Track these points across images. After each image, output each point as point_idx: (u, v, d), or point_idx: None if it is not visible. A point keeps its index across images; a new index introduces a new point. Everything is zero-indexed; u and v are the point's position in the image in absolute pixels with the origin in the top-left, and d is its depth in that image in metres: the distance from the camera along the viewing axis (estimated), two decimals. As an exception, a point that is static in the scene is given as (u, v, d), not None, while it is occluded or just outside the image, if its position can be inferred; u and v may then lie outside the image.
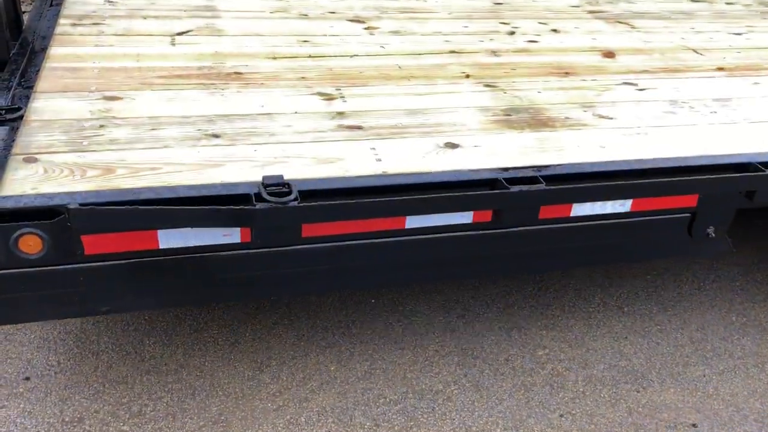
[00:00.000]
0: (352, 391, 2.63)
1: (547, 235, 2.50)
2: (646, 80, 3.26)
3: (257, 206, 2.05)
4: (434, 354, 2.83)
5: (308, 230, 2.22)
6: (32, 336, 2.76)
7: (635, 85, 3.20)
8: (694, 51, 3.70)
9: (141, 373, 2.63)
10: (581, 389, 2.73)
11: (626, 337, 3.01)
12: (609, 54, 3.55)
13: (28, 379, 2.58)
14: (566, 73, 3.28)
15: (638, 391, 2.74)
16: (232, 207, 2.06)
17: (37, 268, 2.06)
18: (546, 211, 2.42)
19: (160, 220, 2.06)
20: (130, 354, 2.71)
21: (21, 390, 2.53)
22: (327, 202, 2.13)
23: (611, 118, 2.83)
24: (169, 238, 2.13)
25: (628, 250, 2.69)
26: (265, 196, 2.08)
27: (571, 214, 2.49)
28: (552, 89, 3.08)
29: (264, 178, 2.13)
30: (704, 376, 2.85)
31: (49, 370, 2.62)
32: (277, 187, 2.13)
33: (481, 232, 2.41)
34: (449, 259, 2.48)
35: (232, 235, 2.19)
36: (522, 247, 2.52)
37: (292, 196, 2.09)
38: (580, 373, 2.80)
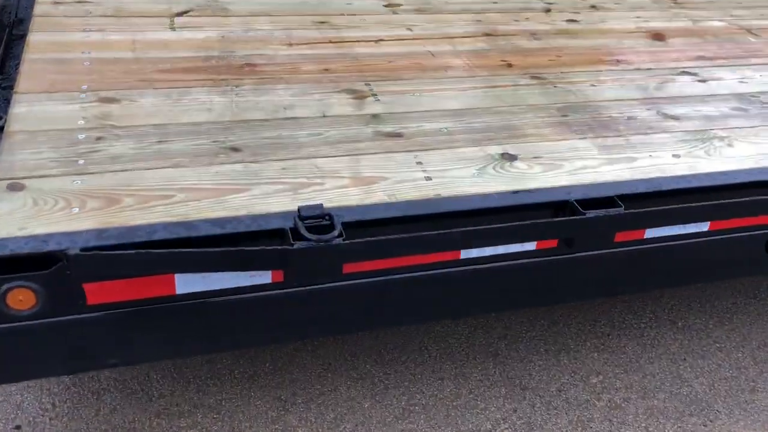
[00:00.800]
0: (391, 434, 2.33)
1: (618, 260, 2.18)
2: (706, 69, 2.91)
3: (295, 246, 1.70)
4: (478, 384, 2.53)
5: (351, 266, 1.89)
6: (22, 370, 2.41)
7: (695, 75, 2.85)
8: (749, 32, 3.35)
9: (150, 416, 2.30)
10: (643, 424, 2.45)
11: (684, 359, 2.73)
12: (658, 36, 3.20)
13: (18, 428, 2.24)
14: (617, 60, 2.93)
15: (705, 425, 2.48)
16: (265, 248, 1.71)
17: (30, 322, 1.71)
18: (620, 235, 2.11)
19: (179, 266, 1.71)
20: (135, 393, 2.38)
21: (11, 441, 2.21)
22: (376, 238, 1.77)
23: (678, 119, 2.49)
24: (188, 283, 1.78)
25: (703, 270, 2.39)
26: (303, 232, 1.72)
27: (645, 236, 2.18)
28: (606, 81, 2.73)
29: (300, 208, 1.78)
30: (774, 404, 2.60)
31: (43, 415, 2.28)
32: (316, 219, 1.78)
33: (547, 258, 2.09)
34: (512, 289, 2.16)
35: (261, 276, 1.85)
36: (592, 273, 2.20)
37: (335, 232, 1.74)
38: (640, 404, 2.52)
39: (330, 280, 1.88)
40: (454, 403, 2.45)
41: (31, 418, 2.27)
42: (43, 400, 2.33)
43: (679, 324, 2.91)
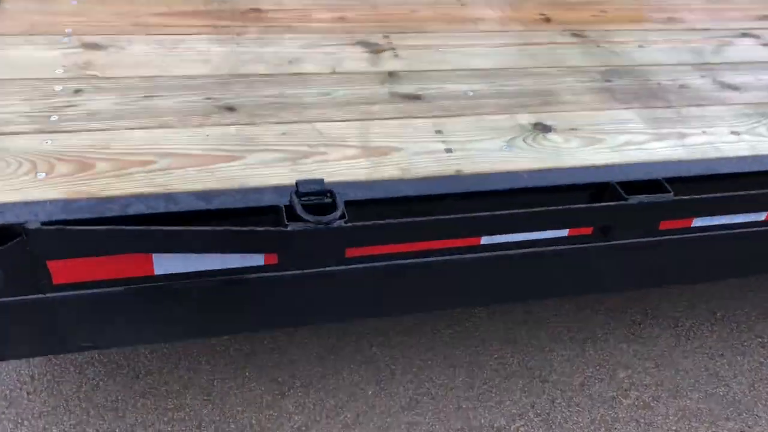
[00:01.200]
0: (395, 427, 2.13)
1: (660, 250, 1.93)
2: (770, 31, 2.59)
3: (289, 228, 1.47)
4: (493, 375, 2.31)
5: (355, 250, 1.66)
6: None
7: (758, 37, 2.53)
8: (817, -10, 2.99)
9: (135, 395, 2.12)
10: (674, 427, 2.23)
11: (722, 354, 2.49)
12: (716, -9, 2.86)
13: (-6, 402, 2.09)
14: (669, 18, 2.61)
15: (743, 431, 2.25)
16: (254, 229, 1.48)
17: (-12, 301, 1.52)
18: (666, 224, 1.85)
19: (156, 245, 1.49)
20: (121, 368, 2.20)
21: (-15, 416, 2.05)
22: (384, 222, 1.53)
23: (737, 89, 2.19)
24: (168, 263, 1.57)
25: (755, 263, 2.12)
26: (299, 212, 1.49)
27: (693, 225, 1.92)
28: (656, 42, 2.42)
29: (299, 183, 1.54)
30: (820, 410, 2.36)
31: (21, 388, 2.11)
32: (316, 196, 1.54)
33: (579, 246, 1.84)
34: (538, 278, 1.92)
35: (253, 257, 1.63)
36: (627, 263, 1.96)
37: (336, 213, 1.50)
38: (671, 404, 2.30)
39: (330, 264, 1.66)
40: (466, 395, 2.24)
41: (8, 392, 2.10)
42: (22, 371, 2.16)
43: (718, 314, 2.65)
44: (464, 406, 2.20)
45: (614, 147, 1.86)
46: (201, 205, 1.51)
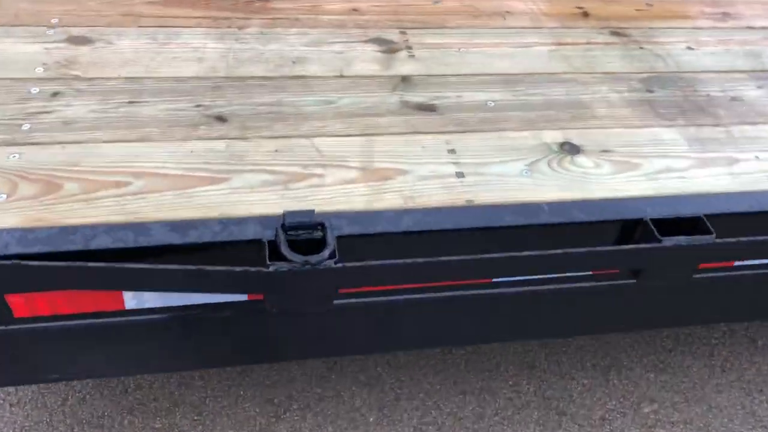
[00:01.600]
0: (396, 459, 1.99)
1: (698, 290, 1.73)
2: (840, 32, 2.30)
3: (270, 269, 1.31)
4: (506, 404, 2.14)
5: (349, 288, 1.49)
6: (-10, 340, 2.14)
7: (825, 39, 2.26)
8: None
9: (122, 411, 2.01)
10: (701, 473, 2.05)
11: (761, 390, 2.27)
12: (780, -18, 2.56)
13: (-25, 414, 2.00)
14: (724, 13, 2.34)
15: (779, 481, 2.06)
16: (231, 270, 1.31)
17: (-55, 332, 1.39)
18: (704, 265, 1.64)
19: (123, 282, 1.34)
20: (109, 381, 2.08)
21: (-35, 429, 1.96)
22: (380, 263, 1.35)
23: (798, 103, 1.94)
24: (141, 297, 1.43)
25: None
26: (283, 250, 1.32)
27: (735, 264, 1.71)
28: (707, 45, 2.16)
29: (285, 215, 1.37)
30: None
31: (4, 400, 2.01)
32: (305, 231, 1.37)
33: (605, 283, 1.64)
34: (555, 317, 1.74)
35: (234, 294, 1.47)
36: (659, 304, 1.76)
37: (326, 252, 1.32)
38: (700, 446, 2.11)
39: (321, 302, 1.49)
40: (475, 426, 2.07)
41: (-11, 403, 2.01)
42: (6, 381, 2.06)
43: (759, 343, 2.43)
44: (472, 439, 2.05)
45: (651, 174, 1.63)
46: (174, 239, 1.35)
